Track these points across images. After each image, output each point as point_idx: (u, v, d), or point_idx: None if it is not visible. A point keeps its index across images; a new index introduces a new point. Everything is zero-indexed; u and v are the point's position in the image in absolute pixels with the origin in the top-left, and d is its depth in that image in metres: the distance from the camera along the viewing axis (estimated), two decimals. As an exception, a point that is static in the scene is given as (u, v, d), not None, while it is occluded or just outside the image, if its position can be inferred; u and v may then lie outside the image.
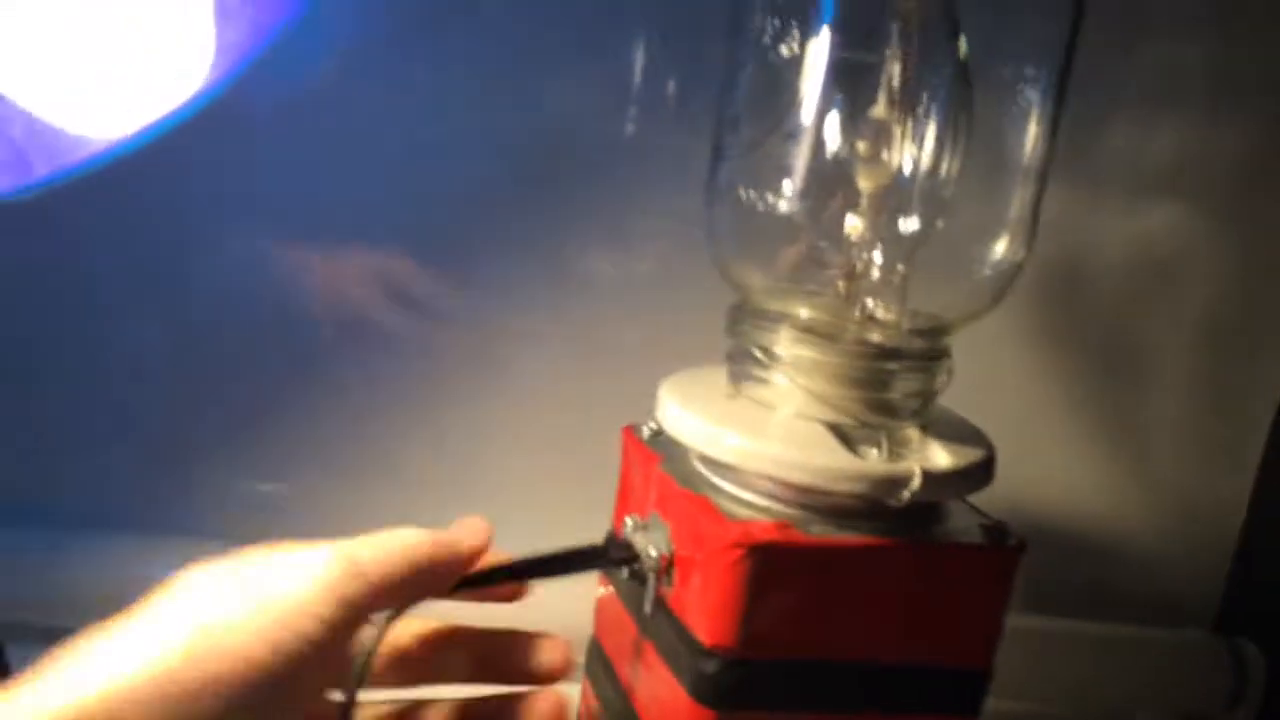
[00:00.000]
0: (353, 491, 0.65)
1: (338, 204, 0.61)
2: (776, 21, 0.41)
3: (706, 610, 0.38)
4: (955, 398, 0.44)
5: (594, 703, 0.48)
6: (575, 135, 0.61)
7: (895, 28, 0.40)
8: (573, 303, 0.63)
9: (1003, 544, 0.41)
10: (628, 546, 0.42)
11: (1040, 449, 0.63)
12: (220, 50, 0.47)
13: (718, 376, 0.45)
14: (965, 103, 0.40)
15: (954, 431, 0.42)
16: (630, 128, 0.61)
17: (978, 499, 0.42)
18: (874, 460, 0.39)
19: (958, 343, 0.43)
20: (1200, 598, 0.68)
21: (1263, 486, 0.65)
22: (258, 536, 0.35)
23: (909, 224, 0.42)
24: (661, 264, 0.63)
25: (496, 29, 0.59)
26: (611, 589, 0.47)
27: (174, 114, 0.49)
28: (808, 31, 0.40)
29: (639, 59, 0.60)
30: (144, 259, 0.61)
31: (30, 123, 0.52)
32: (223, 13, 0.46)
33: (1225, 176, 0.61)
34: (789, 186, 0.42)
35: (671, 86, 0.60)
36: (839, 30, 0.40)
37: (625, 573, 0.42)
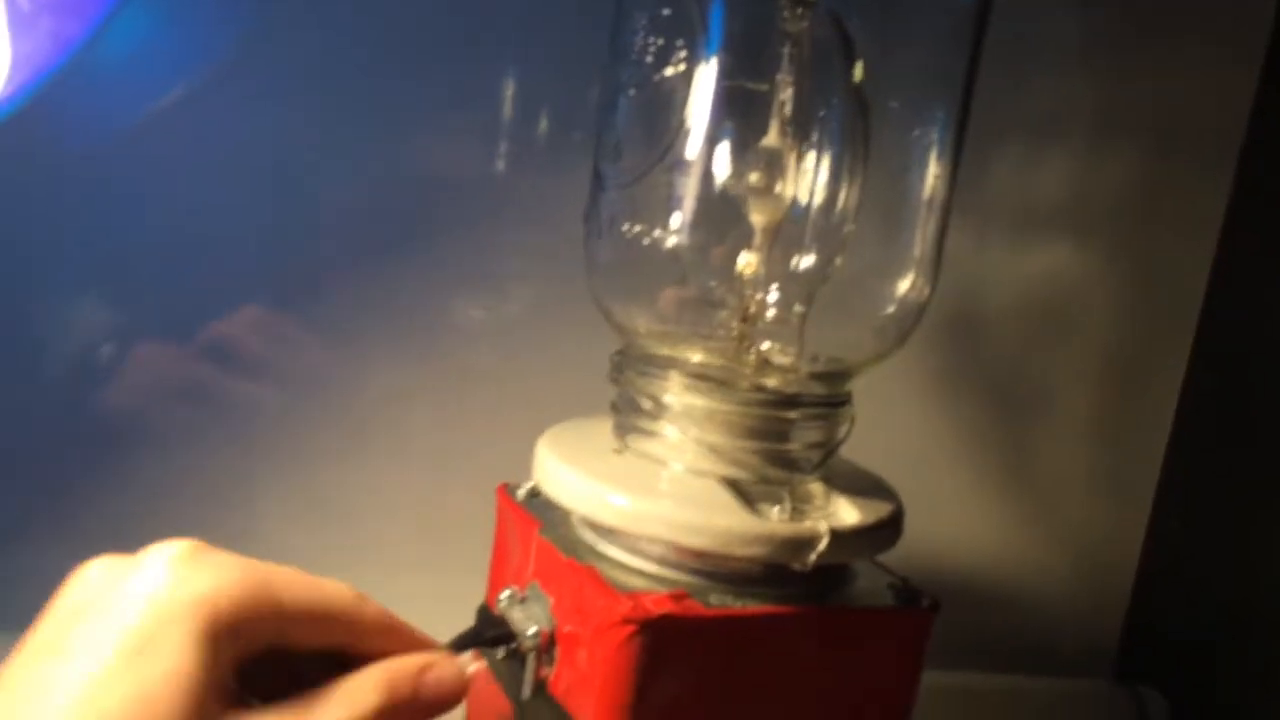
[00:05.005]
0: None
1: (172, 248, 0.54)
2: (660, 40, 0.37)
3: (593, 693, 0.34)
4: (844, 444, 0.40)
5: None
6: (443, 173, 0.57)
7: (786, 51, 0.37)
8: (440, 350, 0.58)
9: (915, 605, 0.38)
10: (502, 623, 0.37)
11: (932, 494, 0.61)
12: (16, 64, 0.41)
13: (601, 429, 0.41)
14: (862, 131, 0.38)
15: (858, 485, 0.39)
16: (500, 165, 0.57)
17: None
18: (776, 520, 0.35)
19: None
20: (1100, 642, 0.67)
21: (1156, 521, 0.64)
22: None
23: (806, 261, 0.39)
24: (534, 308, 0.58)
25: (359, 62, 0.54)
26: (485, 665, 0.42)
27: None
28: (695, 52, 0.37)
29: (508, 97, 0.56)
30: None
31: None
32: (16, 22, 0.40)
33: (1111, 211, 0.60)
34: (677, 219, 0.38)
35: (543, 124, 0.57)
36: (729, 52, 0.37)
37: (501, 652, 0.37)
